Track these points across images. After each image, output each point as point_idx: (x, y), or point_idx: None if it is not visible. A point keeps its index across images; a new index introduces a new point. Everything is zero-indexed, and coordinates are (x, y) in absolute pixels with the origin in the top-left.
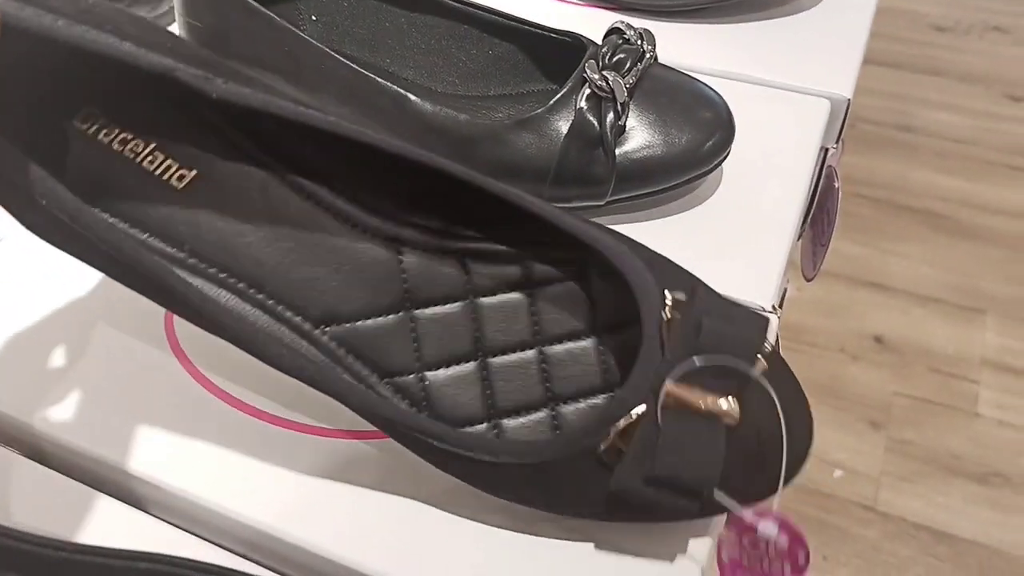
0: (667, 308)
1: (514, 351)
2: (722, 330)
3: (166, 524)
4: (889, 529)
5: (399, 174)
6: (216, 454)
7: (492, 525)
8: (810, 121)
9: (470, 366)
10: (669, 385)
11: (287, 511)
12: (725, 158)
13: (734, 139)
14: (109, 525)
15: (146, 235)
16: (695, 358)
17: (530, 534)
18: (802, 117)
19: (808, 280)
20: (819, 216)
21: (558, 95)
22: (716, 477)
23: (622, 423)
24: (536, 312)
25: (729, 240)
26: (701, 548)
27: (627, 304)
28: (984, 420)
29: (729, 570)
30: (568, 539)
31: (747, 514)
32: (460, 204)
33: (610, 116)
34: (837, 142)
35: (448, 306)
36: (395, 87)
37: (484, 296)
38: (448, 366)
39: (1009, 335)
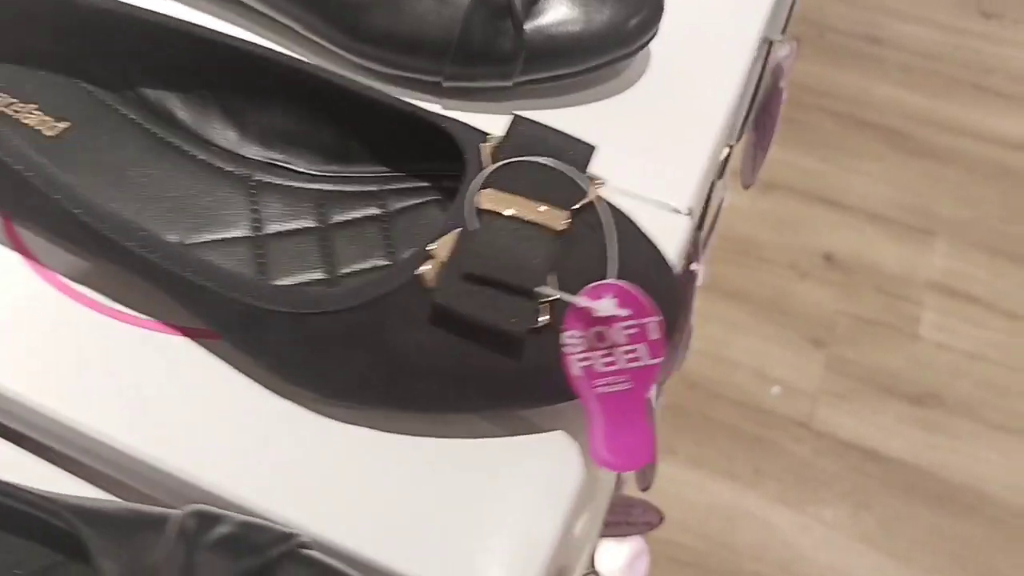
0: (488, 142)
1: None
2: (534, 136)
3: None
4: (821, 446)
5: (264, 110)
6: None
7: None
8: (752, 4)
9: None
10: (480, 191)
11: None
12: (651, 39)
13: (662, 17)
14: None
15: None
16: (501, 162)
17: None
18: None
19: (746, 187)
20: (762, 119)
21: None
22: (539, 272)
23: (448, 240)
24: (389, 236)
25: (650, 133)
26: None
27: None
28: (924, 342)
29: (585, 383)
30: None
31: (581, 299)
32: (322, 142)
33: None
34: (783, 33)
35: (300, 237)
36: None
37: (337, 227)
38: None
39: (957, 258)
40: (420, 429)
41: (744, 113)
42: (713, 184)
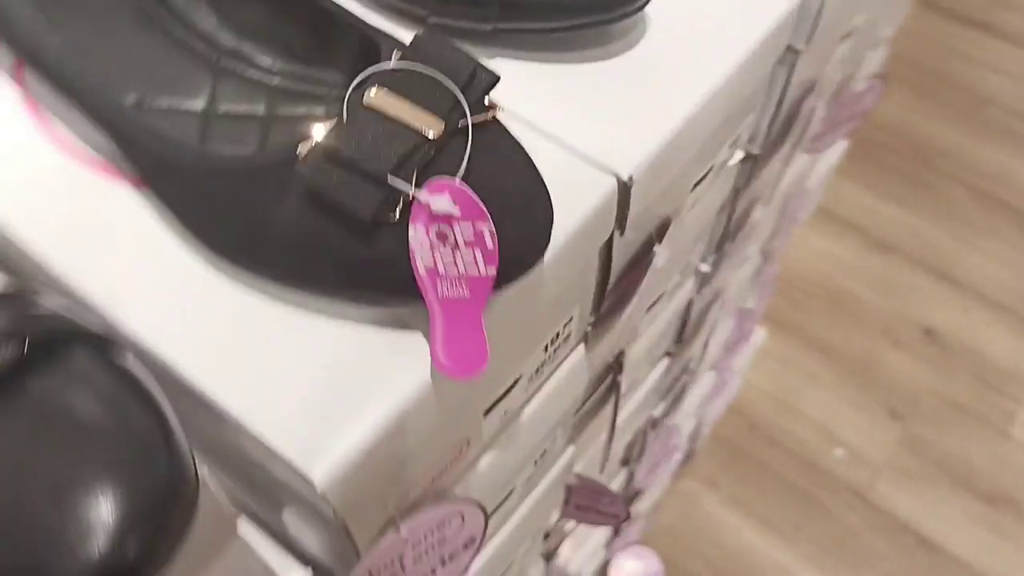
0: (400, 49)
1: None
2: (442, 52)
3: None
4: (873, 521)
5: (246, 3)
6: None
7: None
8: (767, 3)
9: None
10: (373, 88)
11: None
12: (639, 8)
13: None
14: None
15: None
16: (391, 62)
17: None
18: None
19: (768, 202)
20: (793, 131)
21: None
22: (392, 164)
23: (328, 124)
24: None
25: (619, 99)
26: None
27: None
28: (1013, 443)
29: (428, 281)
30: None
31: (420, 192)
32: (290, 43)
33: None
34: (808, 43)
35: (244, 122)
36: None
37: (281, 119)
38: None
39: None
40: (289, 299)
41: (768, 122)
42: (739, 192)
